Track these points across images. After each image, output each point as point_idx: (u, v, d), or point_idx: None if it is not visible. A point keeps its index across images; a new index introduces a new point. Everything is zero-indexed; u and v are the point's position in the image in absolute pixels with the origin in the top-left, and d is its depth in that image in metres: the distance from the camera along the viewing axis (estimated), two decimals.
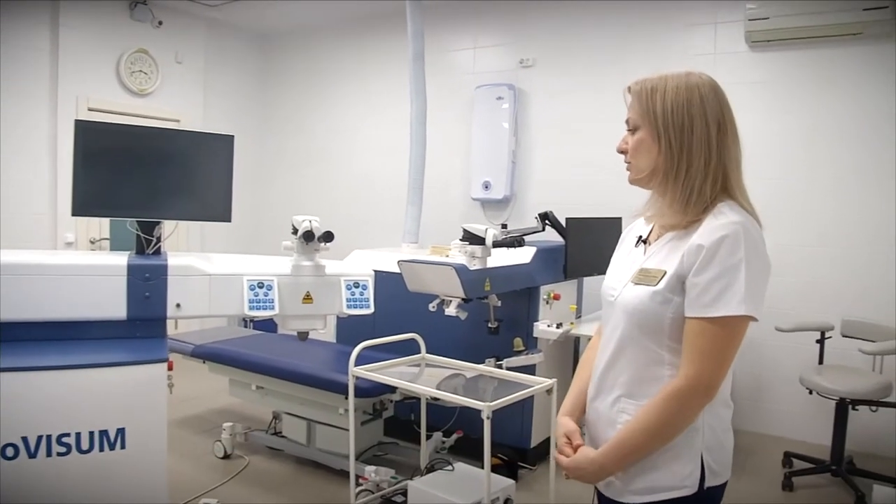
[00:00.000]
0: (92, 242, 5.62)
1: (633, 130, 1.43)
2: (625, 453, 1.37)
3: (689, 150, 1.35)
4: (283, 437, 3.88)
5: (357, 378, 2.95)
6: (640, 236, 1.53)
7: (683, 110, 1.35)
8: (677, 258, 1.34)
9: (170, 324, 2.61)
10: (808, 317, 4.11)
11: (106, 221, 5.57)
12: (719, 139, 1.36)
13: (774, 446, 4.22)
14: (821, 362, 3.93)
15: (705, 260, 1.29)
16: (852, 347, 3.80)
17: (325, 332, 3.68)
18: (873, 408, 3.61)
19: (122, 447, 2.22)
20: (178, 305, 2.51)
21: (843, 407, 3.65)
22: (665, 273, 1.36)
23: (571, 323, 3.88)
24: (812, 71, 4.33)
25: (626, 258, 1.53)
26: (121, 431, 2.21)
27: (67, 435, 2.15)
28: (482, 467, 3.47)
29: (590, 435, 1.52)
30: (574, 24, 5.16)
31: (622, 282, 1.46)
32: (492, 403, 2.41)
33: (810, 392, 3.72)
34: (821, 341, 3.94)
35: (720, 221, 1.32)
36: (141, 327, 2.50)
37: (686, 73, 1.40)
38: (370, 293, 2.81)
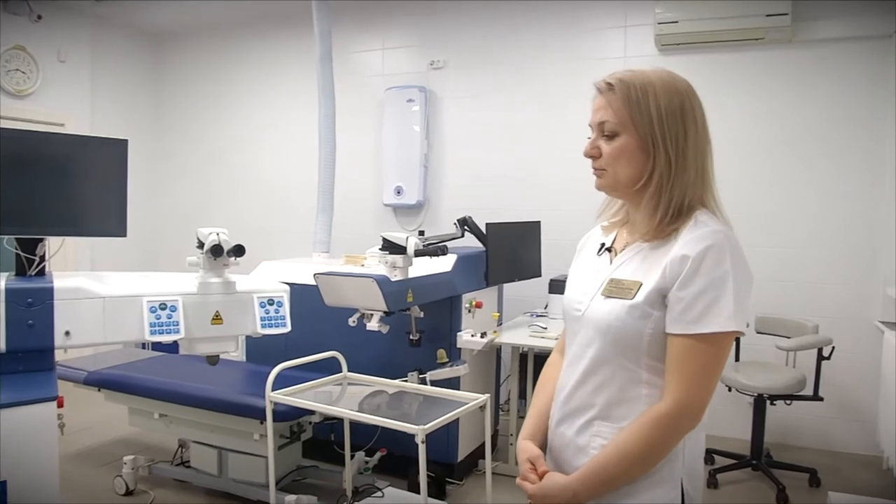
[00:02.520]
0: None
1: (609, 135, 1.30)
2: (602, 480, 1.25)
3: (685, 160, 1.26)
4: (190, 467, 3.57)
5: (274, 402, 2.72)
6: (604, 244, 1.42)
7: (678, 116, 1.26)
8: (656, 269, 1.25)
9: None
10: None
11: None
12: (705, 146, 1.30)
13: None
14: (737, 359, 4.00)
15: (691, 272, 1.20)
16: (766, 344, 3.89)
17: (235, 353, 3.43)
18: (788, 402, 3.69)
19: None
20: (67, 333, 2.23)
21: (762, 402, 3.72)
22: (641, 285, 1.25)
23: (494, 331, 3.78)
24: (718, 73, 4.42)
25: (588, 268, 1.42)
26: (1, 486, 1.91)
27: None
28: (408, 487, 3.35)
29: (554, 463, 1.39)
30: (485, 26, 5.08)
31: (589, 294, 1.35)
32: (426, 427, 2.25)
33: (729, 389, 3.77)
34: (737, 339, 4.01)
35: (702, 231, 1.23)
36: (24, 360, 2.20)
37: (668, 73, 1.30)
38: (286, 310, 2.60)
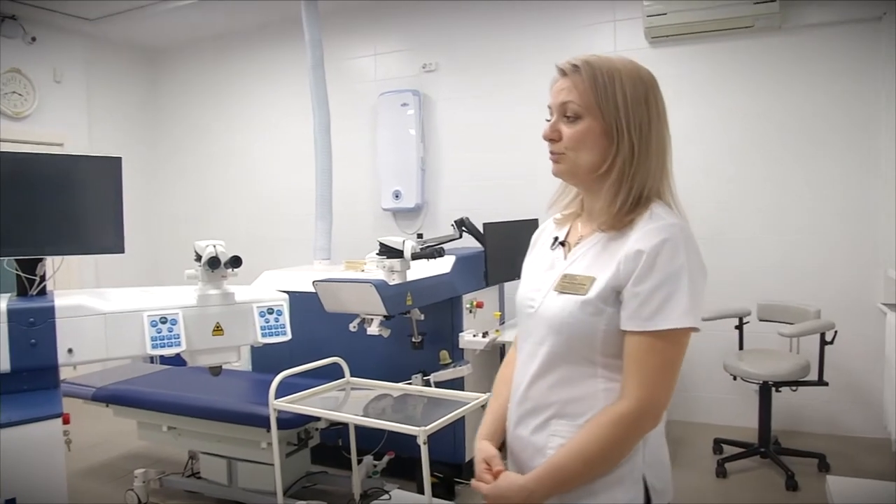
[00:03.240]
0: None
1: (571, 118, 1.25)
2: (559, 480, 1.21)
3: (648, 149, 1.24)
4: (201, 478, 3.60)
5: (278, 410, 2.74)
6: (556, 238, 1.38)
7: (643, 104, 1.23)
8: (610, 264, 1.21)
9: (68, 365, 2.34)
10: (726, 304, 4.19)
11: None
12: (666, 137, 1.28)
13: (704, 434, 4.27)
14: (741, 347, 4.00)
15: (646, 267, 1.17)
16: (769, 331, 3.89)
17: (240, 363, 3.46)
18: (794, 388, 3.69)
19: None
20: (70, 351, 2.26)
21: (767, 390, 3.72)
22: (594, 280, 1.22)
23: (497, 330, 3.79)
24: (709, 64, 4.43)
25: (541, 263, 1.37)
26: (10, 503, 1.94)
27: None
28: (417, 490, 3.37)
29: (515, 465, 1.34)
30: (474, 27, 5.10)
31: (542, 290, 1.31)
32: (426, 428, 2.27)
33: (734, 378, 3.78)
34: (739, 327, 4.02)
35: (658, 224, 1.20)
36: (28, 379, 2.23)
37: (632, 62, 1.27)
38: (286, 318, 2.62)
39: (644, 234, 1.19)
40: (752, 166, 4.36)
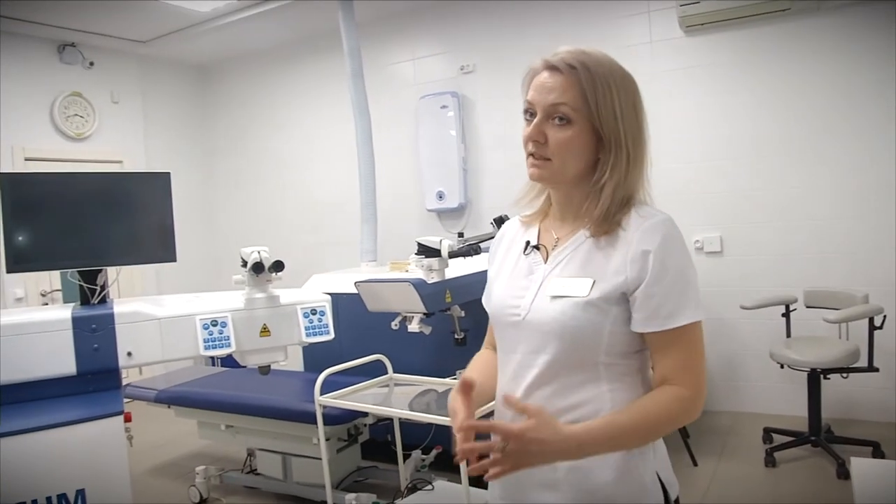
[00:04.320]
0: (43, 296, 5.44)
1: (562, 122, 1.18)
2: (611, 436, 1.12)
3: (642, 158, 1.22)
4: (258, 474, 3.77)
5: (325, 406, 2.87)
6: (528, 242, 1.32)
7: (634, 111, 1.21)
8: (611, 265, 1.18)
9: (133, 370, 2.52)
10: (772, 292, 4.15)
11: (55, 273, 5.40)
12: (647, 138, 1.25)
13: (753, 423, 4.23)
14: (788, 335, 3.96)
15: (657, 267, 1.15)
16: (817, 318, 3.83)
17: (293, 362, 3.61)
18: (844, 375, 3.63)
19: None
20: (129, 354, 2.42)
21: (815, 377, 3.68)
22: (594, 281, 1.19)
23: None
24: (747, 50, 4.38)
25: (517, 269, 1.31)
26: (80, 493, 2.11)
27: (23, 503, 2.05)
28: (461, 482, 3.45)
29: (513, 479, 1.16)
30: (509, 26, 5.15)
31: (527, 297, 1.25)
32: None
33: (781, 366, 3.75)
34: (786, 314, 3.97)
35: (651, 221, 1.19)
36: (93, 381, 2.40)
37: (620, 66, 1.23)
38: (329, 318, 2.73)
39: (643, 233, 1.17)
40: (793, 149, 4.29)
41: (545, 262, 1.27)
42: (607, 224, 1.21)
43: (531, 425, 1.06)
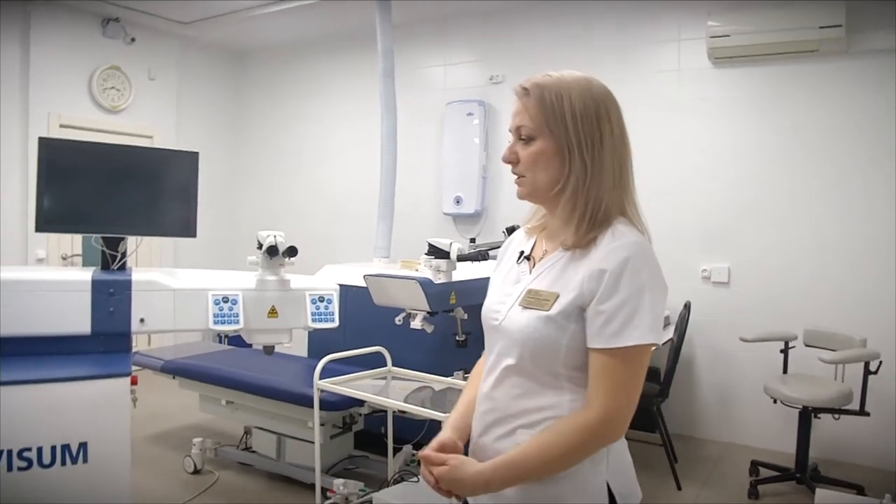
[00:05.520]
0: (63, 259, 5.60)
1: (526, 140, 1.29)
2: (516, 474, 1.24)
3: (601, 165, 1.26)
4: (253, 452, 3.88)
5: (323, 391, 2.97)
6: (522, 252, 1.40)
7: (594, 121, 1.25)
8: (574, 281, 1.25)
9: (143, 339, 2.63)
10: (773, 327, 4.20)
11: (78, 238, 5.56)
12: (623, 152, 1.29)
13: (741, 455, 4.28)
14: (785, 371, 4.00)
15: (609, 286, 1.20)
16: (815, 357, 3.86)
17: (297, 347, 3.71)
18: (836, 416, 3.67)
19: (85, 461, 2.22)
20: (141, 320, 2.52)
21: (807, 415, 3.72)
22: (557, 296, 1.25)
23: None
24: (772, 86, 4.44)
25: (508, 276, 1.40)
26: (83, 446, 2.21)
27: (29, 450, 2.15)
28: None
29: None
30: (541, 41, 5.24)
31: (507, 304, 1.33)
32: None
33: (775, 401, 3.79)
34: (784, 351, 4.02)
35: (620, 242, 1.23)
36: (105, 342, 2.50)
37: (585, 79, 1.29)
38: (335, 307, 2.83)
39: (607, 252, 1.22)
40: (810, 188, 4.33)
41: (530, 273, 1.35)
42: (578, 238, 1.27)
43: (444, 472, 1.27)
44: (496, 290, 1.41)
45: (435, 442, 1.36)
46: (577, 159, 1.25)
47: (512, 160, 1.32)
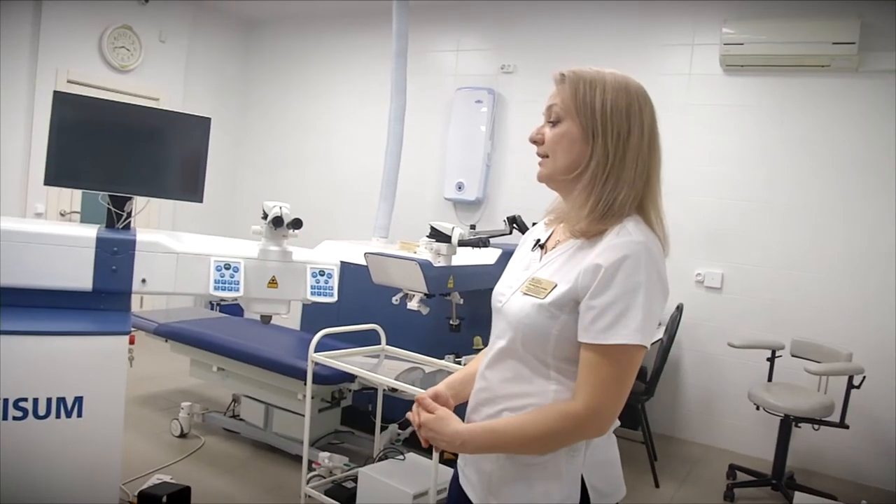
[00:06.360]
0: (62, 215, 5.59)
1: (554, 122, 1.32)
2: (491, 442, 1.28)
3: (624, 159, 1.26)
4: (240, 419, 3.92)
5: (316, 364, 3.00)
6: (538, 240, 1.43)
7: (623, 114, 1.27)
8: (572, 273, 1.26)
9: (135, 301, 2.64)
10: (761, 335, 4.25)
11: (77, 195, 5.56)
12: (650, 153, 1.30)
13: (720, 458, 4.35)
14: (770, 380, 4.06)
15: (603, 282, 1.20)
16: (800, 367, 3.93)
17: (290, 320, 3.73)
18: (816, 426, 3.73)
19: (79, 415, 2.25)
20: (143, 281, 2.55)
21: (787, 424, 3.78)
22: (555, 286, 1.27)
23: None
24: (781, 97, 4.47)
25: (520, 263, 1.43)
26: (78, 400, 2.25)
27: (25, 400, 2.18)
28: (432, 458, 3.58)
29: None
30: (555, 35, 5.25)
31: (512, 288, 1.36)
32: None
33: (757, 408, 3.85)
34: (771, 359, 4.07)
35: (622, 240, 1.23)
36: (105, 300, 2.53)
37: (624, 77, 1.31)
38: (335, 282, 2.86)
39: (607, 248, 1.22)
40: (810, 203, 4.38)
41: (540, 261, 1.37)
42: (587, 227, 1.27)
43: (430, 419, 1.33)
44: (508, 274, 1.43)
45: (431, 391, 1.41)
46: (601, 147, 1.26)
47: (538, 140, 1.36)
